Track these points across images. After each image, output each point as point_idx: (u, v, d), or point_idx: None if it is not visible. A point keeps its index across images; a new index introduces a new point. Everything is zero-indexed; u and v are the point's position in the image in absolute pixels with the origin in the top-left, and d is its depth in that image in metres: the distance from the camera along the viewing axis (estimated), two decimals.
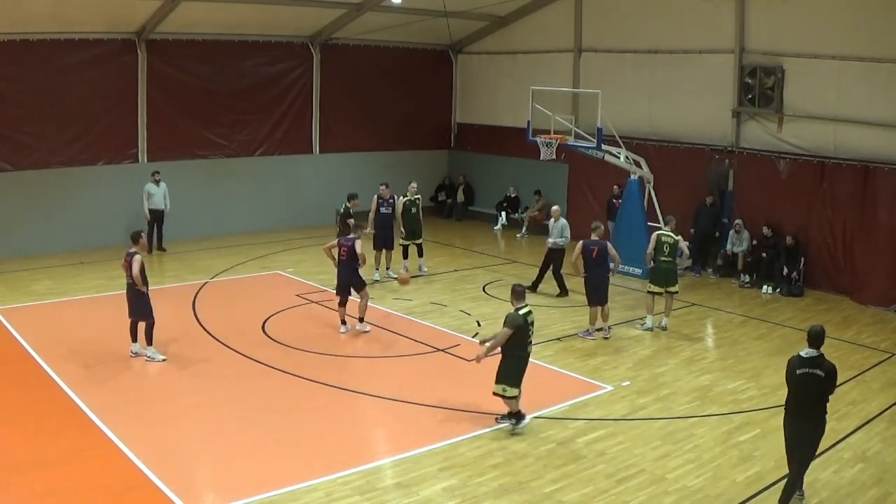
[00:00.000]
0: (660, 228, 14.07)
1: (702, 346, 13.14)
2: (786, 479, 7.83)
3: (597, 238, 13.23)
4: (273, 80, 20.87)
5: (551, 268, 15.60)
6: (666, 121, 18.93)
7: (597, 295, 13.13)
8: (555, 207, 16.08)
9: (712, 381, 11.32)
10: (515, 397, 9.36)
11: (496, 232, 22.14)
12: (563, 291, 15.44)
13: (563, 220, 15.67)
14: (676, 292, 13.62)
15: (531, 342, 9.51)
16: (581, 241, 13.27)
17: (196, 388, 10.65)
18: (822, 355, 7.53)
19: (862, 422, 9.96)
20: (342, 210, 15.91)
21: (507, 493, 8.09)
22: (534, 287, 15.46)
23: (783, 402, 8.97)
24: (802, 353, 7.57)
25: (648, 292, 13.63)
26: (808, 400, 7.57)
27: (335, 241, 13.29)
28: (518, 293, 9.54)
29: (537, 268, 15.91)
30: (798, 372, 7.54)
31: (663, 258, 13.33)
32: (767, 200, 17.04)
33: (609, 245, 13.31)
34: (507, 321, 9.28)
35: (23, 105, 17.21)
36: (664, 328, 13.52)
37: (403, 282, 15.16)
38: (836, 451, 9.11)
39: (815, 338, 7.54)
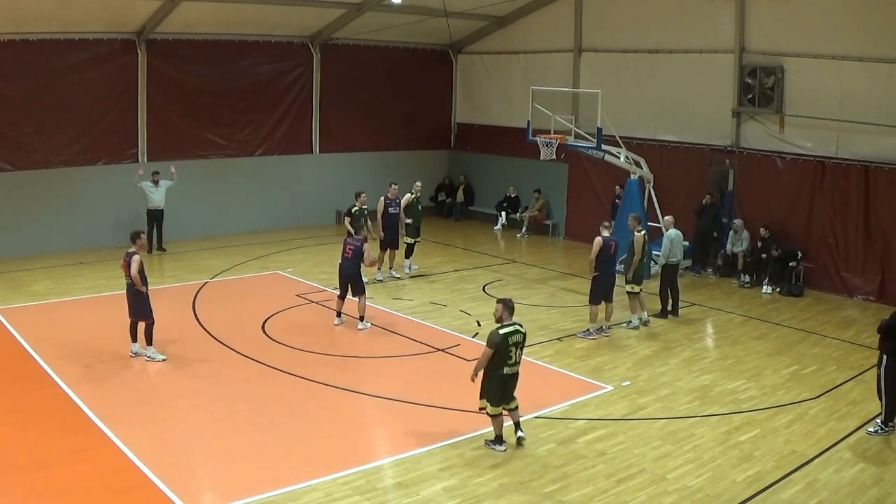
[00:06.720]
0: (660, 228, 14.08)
1: (702, 346, 13.13)
2: None
3: (609, 234, 13.23)
4: (273, 80, 20.85)
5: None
6: (666, 121, 18.92)
7: (606, 293, 13.13)
8: (667, 218, 14.72)
9: (712, 381, 11.32)
10: (497, 416, 8.92)
11: (496, 232, 22.13)
12: (664, 313, 14.30)
13: (673, 232, 14.25)
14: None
15: (516, 361, 8.81)
16: (600, 237, 13.02)
17: (196, 388, 10.64)
18: None
19: (862, 422, 9.94)
20: (354, 210, 15.56)
21: (507, 493, 8.09)
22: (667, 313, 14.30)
23: (783, 402, 8.85)
24: None
25: (636, 293, 13.68)
26: None
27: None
28: (509, 308, 8.87)
29: (537, 267, 15.82)
30: None
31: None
32: (768, 200, 17.02)
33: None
34: (488, 340, 8.74)
35: (23, 105, 17.19)
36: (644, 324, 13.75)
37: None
38: (836, 451, 9.10)
39: None
